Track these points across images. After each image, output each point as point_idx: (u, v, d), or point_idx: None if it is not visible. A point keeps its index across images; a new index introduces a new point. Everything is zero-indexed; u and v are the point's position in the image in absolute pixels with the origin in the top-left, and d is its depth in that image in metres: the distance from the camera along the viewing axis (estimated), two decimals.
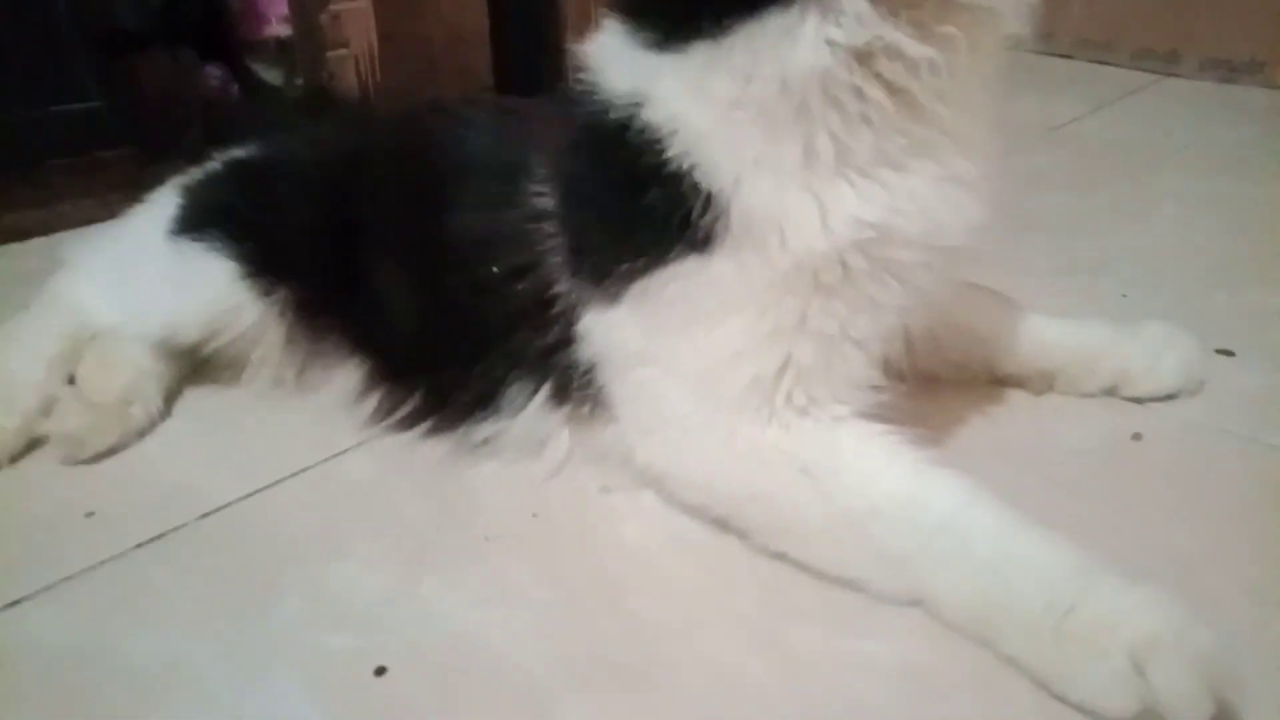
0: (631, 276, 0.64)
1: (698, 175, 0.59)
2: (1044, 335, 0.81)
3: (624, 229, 0.63)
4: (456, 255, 0.74)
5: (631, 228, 0.63)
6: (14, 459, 0.78)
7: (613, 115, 0.62)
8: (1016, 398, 0.81)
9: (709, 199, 0.59)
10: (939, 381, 0.82)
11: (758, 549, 0.64)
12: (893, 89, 0.57)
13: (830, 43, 0.55)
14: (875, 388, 0.65)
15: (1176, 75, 1.84)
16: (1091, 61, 1.95)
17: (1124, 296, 0.98)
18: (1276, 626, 0.57)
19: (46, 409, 0.80)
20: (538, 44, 1.52)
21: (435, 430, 0.77)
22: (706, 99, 0.58)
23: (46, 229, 1.19)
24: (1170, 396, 0.79)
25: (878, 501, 0.60)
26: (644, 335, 0.66)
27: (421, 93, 1.61)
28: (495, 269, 0.72)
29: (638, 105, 0.61)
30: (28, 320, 0.87)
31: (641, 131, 0.60)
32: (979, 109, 0.62)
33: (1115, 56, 1.93)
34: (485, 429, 0.75)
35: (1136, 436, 0.75)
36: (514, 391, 0.74)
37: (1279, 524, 0.66)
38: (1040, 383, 0.82)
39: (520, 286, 0.71)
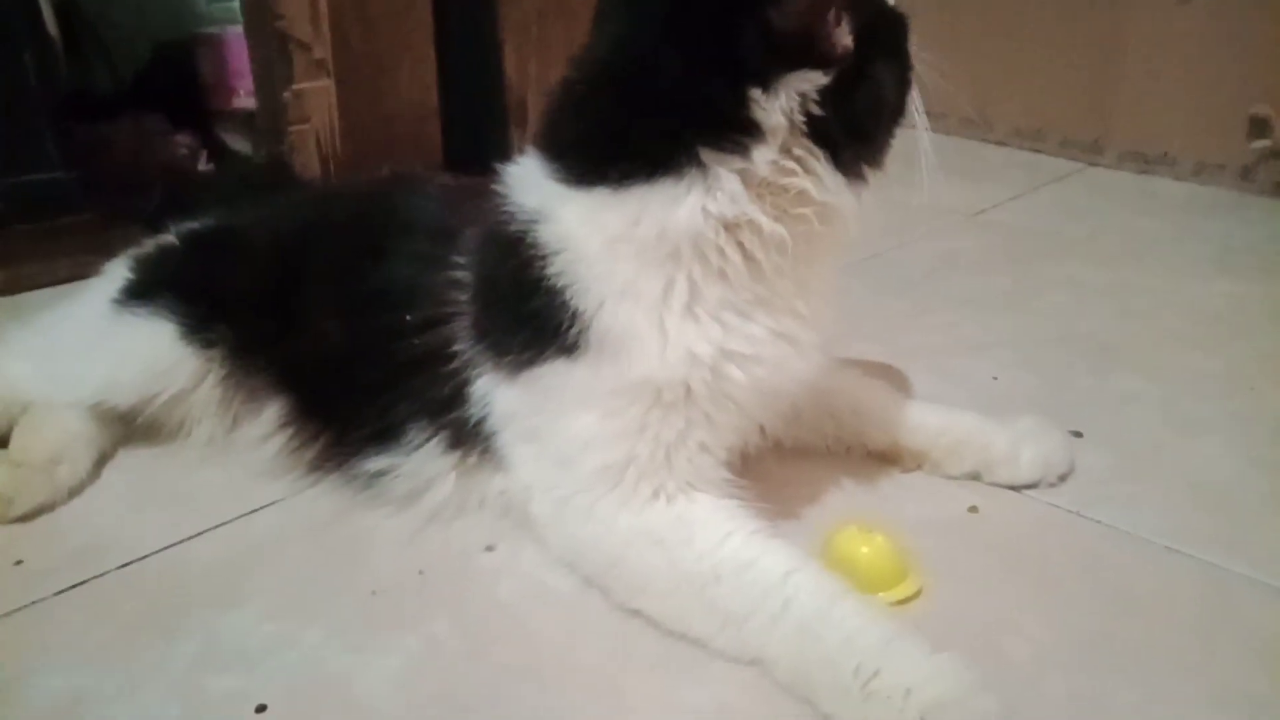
0: (521, 364, 0.73)
1: (570, 293, 0.69)
2: (917, 418, 0.90)
3: (516, 323, 0.73)
4: (381, 299, 0.82)
5: (521, 323, 0.72)
6: None
7: (514, 226, 0.72)
8: (877, 471, 0.89)
9: (576, 314, 0.69)
10: (814, 451, 0.91)
11: (616, 606, 0.71)
12: (747, 254, 0.69)
13: (705, 211, 0.66)
14: (725, 479, 0.74)
15: (1099, 165, 1.96)
16: (1024, 149, 2.07)
17: (994, 379, 1.06)
18: (1053, 687, 0.65)
19: None
20: (486, 121, 1.62)
21: (336, 463, 0.84)
22: (596, 230, 0.69)
23: (9, 290, 1.27)
24: (1030, 486, 0.86)
25: (718, 565, 0.68)
26: (529, 415, 0.75)
27: (378, 165, 1.72)
28: (409, 316, 0.80)
29: (536, 222, 0.71)
30: None
31: (533, 246, 0.71)
32: (815, 282, 0.73)
33: (1045, 145, 2.05)
34: (380, 462, 0.82)
35: (973, 509, 0.83)
36: (412, 433, 0.81)
37: (1078, 591, 0.74)
38: (909, 461, 0.89)
39: (428, 337, 0.79)
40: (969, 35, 2.08)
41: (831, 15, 0.64)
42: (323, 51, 1.58)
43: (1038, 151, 2.06)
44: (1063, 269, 1.42)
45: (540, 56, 1.87)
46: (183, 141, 1.68)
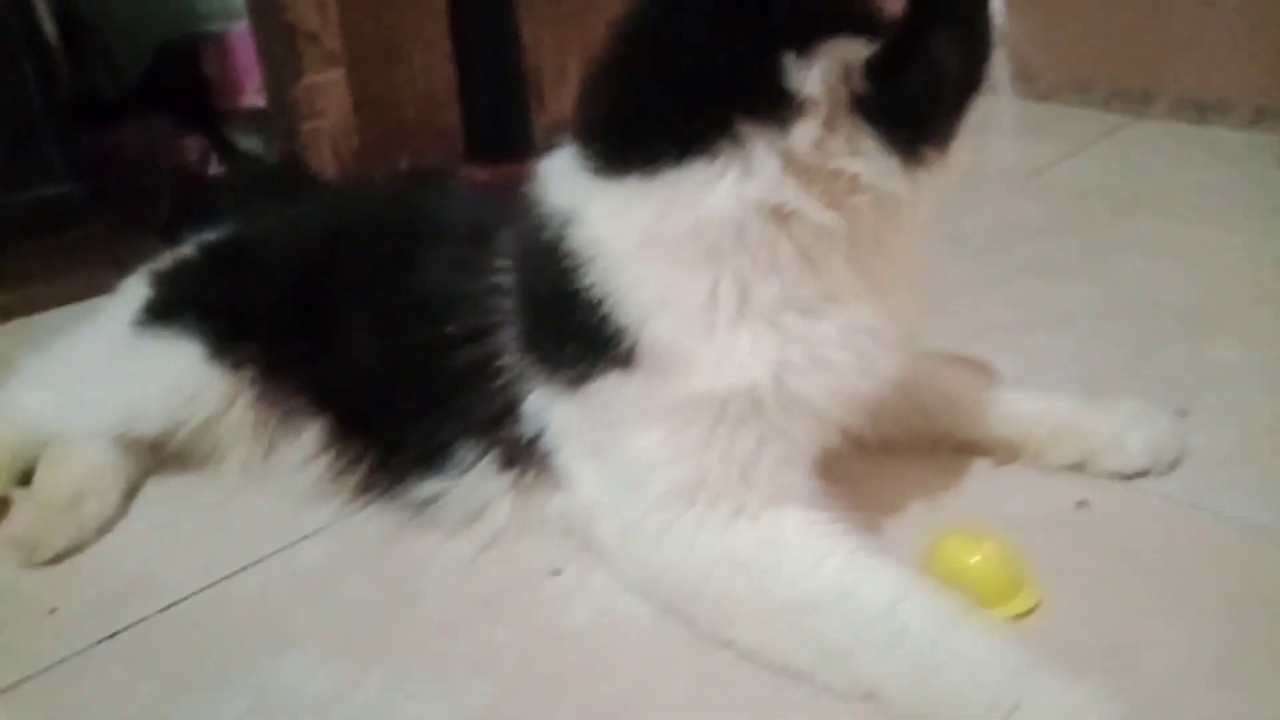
0: (574, 379, 0.67)
1: (610, 305, 0.62)
2: (1010, 406, 0.82)
3: (563, 336, 0.67)
4: (418, 311, 0.76)
5: (569, 336, 0.66)
6: None
7: (547, 232, 0.66)
8: (970, 466, 0.82)
9: (621, 328, 0.62)
10: (898, 446, 0.83)
11: (705, 636, 0.64)
12: (799, 246, 0.61)
13: (742, 197, 0.59)
14: (810, 488, 0.66)
15: (1148, 117, 1.86)
16: (1070, 104, 1.97)
17: (1079, 356, 0.98)
18: (1201, 704, 0.58)
19: None
20: (507, 104, 1.54)
21: (382, 489, 0.79)
22: (625, 230, 0.62)
23: (20, 312, 1.20)
24: (1140, 474, 0.78)
25: (815, 593, 0.61)
26: (588, 431, 0.69)
27: (396, 157, 1.64)
28: (450, 329, 0.73)
29: (569, 224, 0.64)
30: None
31: (566, 255, 0.64)
32: (891, 267, 0.65)
33: (1091, 98, 1.95)
34: (429, 488, 0.76)
35: (1082, 504, 0.75)
36: (461, 453, 0.74)
37: (1209, 593, 0.67)
38: (1004, 453, 0.82)
39: (472, 350, 0.73)
40: None
41: None
42: (332, 41, 1.51)
43: (1084, 106, 1.96)
44: (1131, 229, 1.33)
45: (558, 33, 1.79)
46: (192, 144, 1.62)
